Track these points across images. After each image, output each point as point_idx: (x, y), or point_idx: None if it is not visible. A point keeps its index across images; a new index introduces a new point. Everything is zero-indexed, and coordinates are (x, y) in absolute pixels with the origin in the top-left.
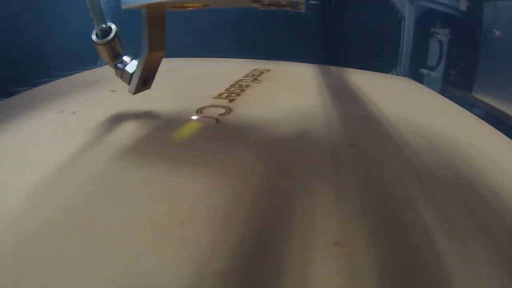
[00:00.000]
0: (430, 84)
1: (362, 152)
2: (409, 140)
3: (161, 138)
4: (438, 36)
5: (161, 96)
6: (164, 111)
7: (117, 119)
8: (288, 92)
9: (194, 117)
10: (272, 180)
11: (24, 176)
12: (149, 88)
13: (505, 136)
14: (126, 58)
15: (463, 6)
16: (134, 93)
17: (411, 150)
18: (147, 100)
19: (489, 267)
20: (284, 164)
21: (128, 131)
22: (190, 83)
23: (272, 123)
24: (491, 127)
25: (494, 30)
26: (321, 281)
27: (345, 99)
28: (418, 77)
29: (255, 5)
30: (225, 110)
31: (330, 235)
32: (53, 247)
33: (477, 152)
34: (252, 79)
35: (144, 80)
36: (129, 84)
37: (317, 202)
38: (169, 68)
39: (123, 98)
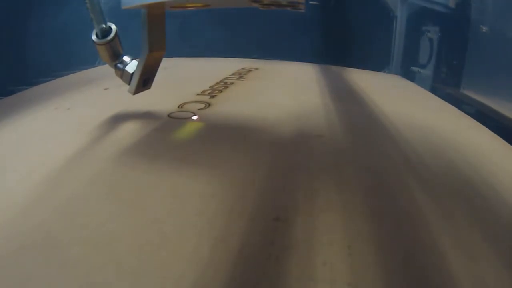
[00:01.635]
0: (421, 82)
1: (330, 143)
2: (398, 134)
3: (140, 132)
4: (429, 34)
5: (149, 93)
6: (149, 107)
7: (106, 114)
8: (269, 89)
9: (195, 117)
10: (236, 172)
11: (21, 165)
12: (149, 88)
13: (488, 130)
14: (126, 58)
15: (452, 3)
16: (134, 93)
17: (400, 143)
18: (134, 98)
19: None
20: (249, 154)
21: (111, 127)
22: (179, 81)
23: (246, 116)
24: (475, 121)
25: (481, 26)
26: None
27: (331, 95)
28: (410, 75)
29: (255, 5)
30: (204, 105)
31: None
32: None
33: (460, 145)
34: (237, 77)
35: (144, 80)
36: (129, 84)
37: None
38: (162, 68)
39: (114, 96)
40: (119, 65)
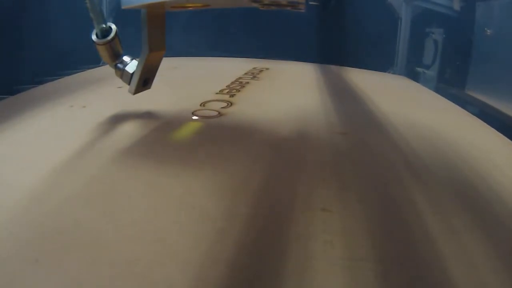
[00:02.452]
0: (425, 82)
1: (358, 145)
2: (403, 134)
3: (165, 131)
4: (433, 35)
5: (167, 92)
6: (169, 105)
7: (124, 113)
8: (285, 89)
9: (195, 117)
10: (271, 171)
11: (35, 166)
12: (149, 88)
13: (494, 130)
14: (126, 58)
15: (456, 6)
16: (134, 93)
17: (404, 143)
18: (152, 96)
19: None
20: (281, 156)
21: (135, 125)
22: (193, 80)
23: (269, 114)
24: (481, 121)
25: (486, 29)
26: None
27: (340, 96)
28: (414, 76)
29: (255, 5)
30: (226, 104)
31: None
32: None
33: (466, 145)
34: (251, 76)
35: (144, 80)
36: (129, 84)
37: (316, 200)
38: (172, 67)
39: (130, 94)
40: (119, 65)
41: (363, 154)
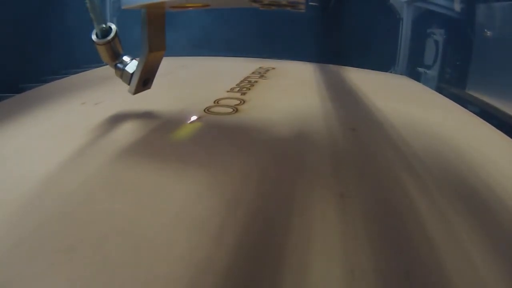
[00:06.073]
0: (426, 82)
1: (361, 143)
2: (404, 135)
3: (178, 128)
4: (434, 36)
5: (179, 89)
6: (183, 102)
7: (137, 111)
8: (293, 87)
9: (194, 117)
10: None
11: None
12: (149, 88)
13: (495, 129)
14: (126, 58)
15: (457, 7)
16: (134, 93)
17: (406, 145)
18: (165, 93)
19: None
20: (302, 142)
21: (148, 122)
22: (203, 79)
23: (281, 111)
24: (483, 121)
25: (486, 30)
26: None
27: (345, 95)
28: (415, 75)
29: (255, 5)
30: (239, 101)
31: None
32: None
33: (468, 144)
34: (259, 76)
35: (144, 80)
36: (129, 84)
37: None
38: (181, 65)
39: (141, 93)
40: (119, 65)
41: (365, 149)
